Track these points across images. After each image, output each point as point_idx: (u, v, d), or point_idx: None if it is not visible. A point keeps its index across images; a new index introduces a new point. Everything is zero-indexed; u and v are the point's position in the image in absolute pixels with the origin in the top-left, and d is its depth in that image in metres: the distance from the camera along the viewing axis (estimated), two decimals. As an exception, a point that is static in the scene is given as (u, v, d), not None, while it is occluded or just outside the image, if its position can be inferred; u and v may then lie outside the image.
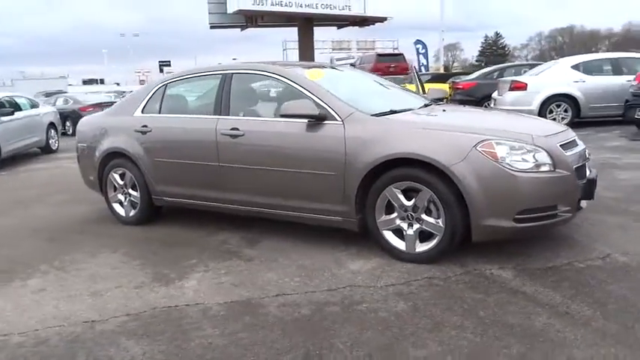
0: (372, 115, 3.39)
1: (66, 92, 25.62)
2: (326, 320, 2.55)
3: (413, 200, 3.13)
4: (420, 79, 11.81)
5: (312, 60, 21.99)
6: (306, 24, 21.14)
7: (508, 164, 2.89)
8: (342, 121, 3.35)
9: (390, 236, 3.28)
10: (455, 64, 77.68)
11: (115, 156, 4.54)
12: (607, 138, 8.14)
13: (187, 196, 4.19)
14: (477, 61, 75.42)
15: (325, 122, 3.40)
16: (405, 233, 3.22)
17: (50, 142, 11.00)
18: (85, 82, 55.31)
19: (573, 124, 7.91)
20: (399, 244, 3.25)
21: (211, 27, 21.80)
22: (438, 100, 4.49)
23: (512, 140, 2.98)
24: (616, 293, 2.62)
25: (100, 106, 13.99)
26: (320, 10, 20.39)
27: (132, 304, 2.89)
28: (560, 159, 2.99)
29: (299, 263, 3.36)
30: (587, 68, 9.38)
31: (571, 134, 3.38)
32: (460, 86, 12.24)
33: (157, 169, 4.25)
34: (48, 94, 24.06)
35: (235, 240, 3.96)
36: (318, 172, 3.42)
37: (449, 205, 2.99)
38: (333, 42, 49.55)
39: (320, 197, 3.47)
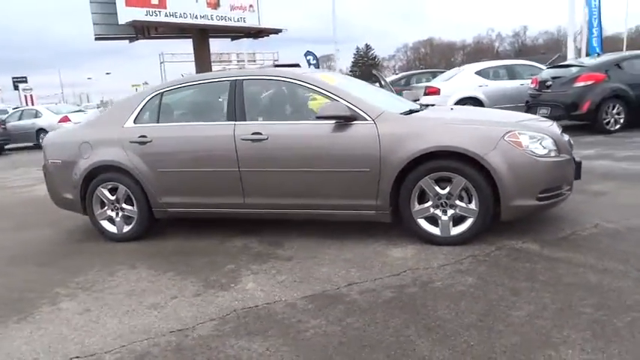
0: (400, 114, 3.70)
1: None
2: (415, 299, 2.78)
3: (448, 188, 3.49)
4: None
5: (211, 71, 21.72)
6: (201, 36, 20.80)
7: (531, 151, 3.38)
8: (374, 120, 3.61)
9: (424, 224, 3.60)
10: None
11: (104, 170, 4.29)
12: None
13: (197, 205, 4.12)
14: (350, 71, 79.39)
15: (354, 122, 3.63)
16: (439, 219, 3.56)
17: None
18: None
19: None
20: (434, 230, 3.58)
21: (97, 38, 20.39)
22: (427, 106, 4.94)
23: (531, 130, 3.48)
24: (628, 251, 3.21)
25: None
26: (215, 22, 20.29)
27: (207, 310, 2.86)
28: (562, 145, 3.56)
29: (342, 257, 3.53)
30: (488, 74, 10.65)
31: (558, 126, 4.00)
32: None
33: (160, 180, 4.12)
34: None
35: (256, 244, 4.00)
36: (351, 170, 3.63)
37: (481, 190, 3.40)
38: (212, 54, 49.02)
39: (353, 193, 3.68)
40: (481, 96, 10.36)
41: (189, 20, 19.51)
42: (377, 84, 7.66)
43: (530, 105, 9.28)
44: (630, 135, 8.11)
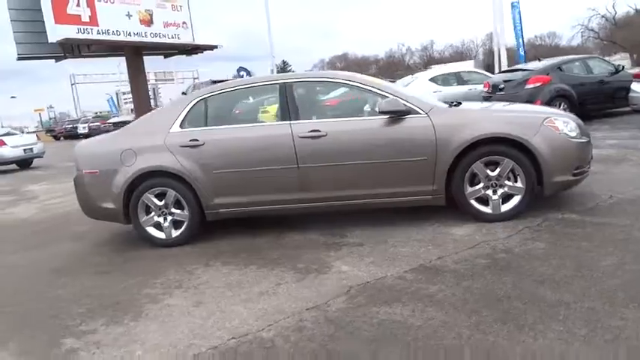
0: (448, 107, 4.13)
1: None
2: (510, 262, 3.17)
3: (497, 170, 3.95)
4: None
5: (146, 91, 21.16)
6: (134, 53, 20.26)
7: (566, 134, 3.94)
8: (427, 113, 4.00)
9: (476, 204, 4.03)
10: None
11: (150, 176, 4.30)
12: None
13: (252, 204, 4.26)
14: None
15: (408, 116, 4.00)
16: (490, 198, 4.00)
17: None
18: None
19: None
20: (485, 209, 4.02)
21: (19, 58, 19.16)
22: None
23: (562, 116, 4.04)
24: (652, 214, 3.84)
25: None
26: (150, 39, 19.89)
27: (323, 290, 3.06)
28: (583, 129, 4.16)
29: (412, 239, 3.86)
30: (440, 80, 11.52)
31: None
32: (327, 104, 13.48)
33: (214, 182, 4.22)
34: None
35: (316, 236, 4.21)
36: (409, 159, 3.99)
37: (527, 169, 3.90)
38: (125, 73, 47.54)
39: (410, 181, 4.03)
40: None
41: (122, 38, 18.97)
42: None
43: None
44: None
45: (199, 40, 21.63)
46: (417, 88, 11.32)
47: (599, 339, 2.18)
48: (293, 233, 4.36)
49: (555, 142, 3.89)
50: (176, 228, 4.39)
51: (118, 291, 3.46)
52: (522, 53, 15.83)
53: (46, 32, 17.17)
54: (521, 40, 16.06)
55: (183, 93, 23.05)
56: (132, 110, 27.50)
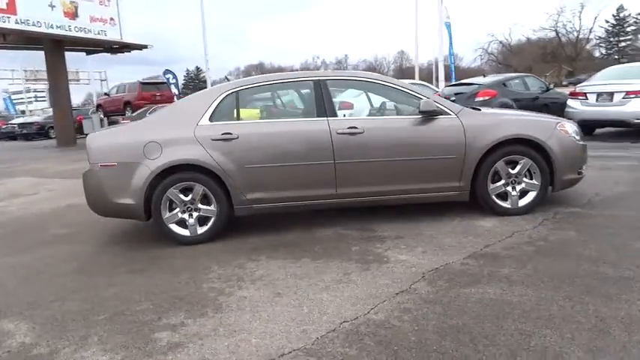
0: (472, 110, 4.45)
1: None
2: (553, 248, 3.52)
3: (517, 168, 4.33)
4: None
5: (67, 88, 19.72)
6: (55, 47, 18.85)
7: (573, 137, 4.43)
8: (457, 115, 4.29)
9: (496, 199, 4.39)
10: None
11: (177, 170, 4.17)
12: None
13: (286, 199, 4.27)
14: (180, 93, 77.73)
15: (440, 117, 4.27)
16: (510, 194, 4.37)
17: None
18: None
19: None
20: (505, 204, 4.38)
21: None
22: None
23: (568, 121, 4.53)
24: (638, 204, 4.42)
25: None
26: (74, 33, 18.62)
27: (398, 276, 3.20)
28: (580, 133, 4.69)
29: (446, 231, 4.11)
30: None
31: None
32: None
33: (247, 177, 4.18)
34: None
35: (346, 231, 4.32)
36: (440, 157, 4.26)
37: (542, 168, 4.32)
38: (26, 72, 44.05)
39: (440, 177, 4.30)
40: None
41: (43, 29, 17.59)
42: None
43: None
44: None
45: (127, 39, 20.63)
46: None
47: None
48: (320, 228, 4.42)
49: (565, 144, 4.36)
50: (201, 225, 4.27)
51: (172, 287, 3.32)
52: (453, 68, 17.08)
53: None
54: (452, 57, 17.34)
55: (107, 94, 21.77)
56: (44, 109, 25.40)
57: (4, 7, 16.43)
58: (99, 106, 25.11)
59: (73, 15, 18.55)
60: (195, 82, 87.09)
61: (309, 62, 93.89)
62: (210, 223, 4.26)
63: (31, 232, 5.14)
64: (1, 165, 12.82)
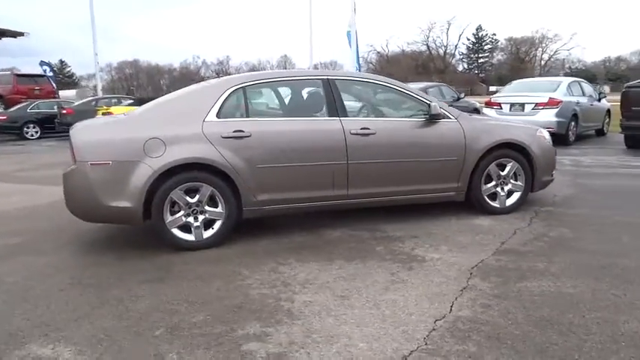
0: (468, 115, 4.71)
1: None
2: (561, 243, 3.87)
3: (506, 170, 4.68)
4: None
5: None
6: None
7: (548, 142, 4.91)
8: (456, 119, 4.52)
9: (488, 200, 4.69)
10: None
11: (183, 169, 3.84)
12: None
13: (297, 200, 4.14)
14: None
15: (442, 120, 4.47)
16: (499, 195, 4.71)
17: None
18: None
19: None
20: (494, 204, 4.71)
21: None
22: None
23: (542, 128, 5.01)
24: (597, 201, 5.03)
25: None
26: None
27: (450, 275, 3.29)
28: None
29: (453, 230, 4.30)
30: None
31: None
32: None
33: (259, 177, 3.99)
34: None
35: (355, 232, 4.31)
36: (443, 159, 4.45)
37: (526, 170, 4.73)
38: None
39: (441, 178, 4.49)
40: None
41: None
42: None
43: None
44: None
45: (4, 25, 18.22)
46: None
47: None
48: (327, 230, 4.37)
49: (544, 149, 4.82)
50: (207, 228, 3.97)
51: (216, 295, 3.04)
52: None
53: None
54: (357, 65, 18.02)
55: None
56: None
57: None
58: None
59: None
60: (59, 77, 79.56)
61: (189, 62, 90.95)
62: (217, 227, 3.97)
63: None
64: None
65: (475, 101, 14.11)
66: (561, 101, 9.47)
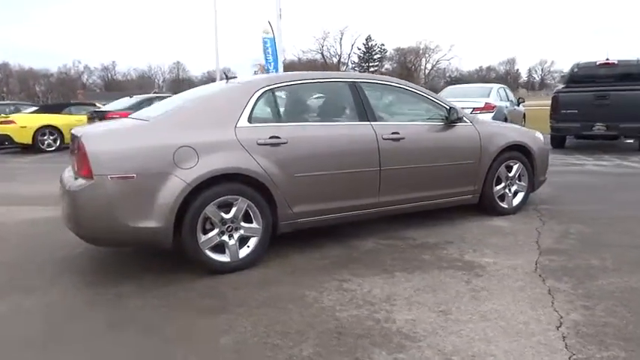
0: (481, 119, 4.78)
1: None
2: (587, 239, 4.04)
3: (513, 171, 4.82)
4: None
5: None
6: None
7: (543, 143, 5.15)
8: (472, 122, 4.56)
9: (498, 201, 4.79)
10: None
11: (216, 182, 3.42)
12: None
13: (331, 211, 3.88)
14: None
15: (460, 123, 4.49)
16: (507, 196, 4.84)
17: None
18: None
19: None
20: (503, 204, 4.82)
21: None
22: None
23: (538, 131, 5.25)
24: (588, 197, 5.40)
25: None
26: None
27: (523, 279, 3.27)
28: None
29: (476, 233, 4.31)
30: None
31: None
32: (117, 115, 11.82)
33: (296, 187, 3.67)
34: None
35: (391, 241, 4.13)
36: (463, 162, 4.46)
37: (528, 171, 4.92)
38: None
39: (461, 182, 4.49)
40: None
41: None
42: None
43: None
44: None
45: None
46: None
47: None
48: (356, 240, 4.16)
49: (542, 150, 5.04)
50: (245, 245, 3.57)
51: (306, 322, 2.70)
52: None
53: None
54: (273, 70, 17.97)
55: None
56: None
57: None
58: None
59: None
60: None
61: (69, 67, 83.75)
62: (252, 245, 3.57)
63: None
64: None
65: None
66: (495, 106, 10.11)
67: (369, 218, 4.22)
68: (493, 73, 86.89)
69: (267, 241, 3.63)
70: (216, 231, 3.43)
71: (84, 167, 3.18)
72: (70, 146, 3.89)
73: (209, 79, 70.00)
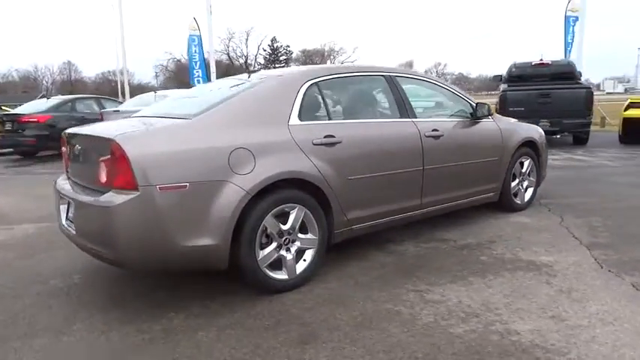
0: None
1: None
2: (609, 230, 4.12)
3: (524, 167, 4.82)
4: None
5: None
6: None
7: (544, 141, 5.22)
8: (493, 119, 4.49)
9: (513, 197, 4.77)
10: None
11: (274, 188, 2.98)
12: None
13: (381, 215, 3.58)
14: None
15: (484, 120, 4.39)
16: (520, 191, 4.83)
17: None
18: None
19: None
20: (517, 200, 4.81)
21: None
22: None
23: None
24: (584, 190, 5.58)
25: None
26: None
27: (598, 276, 3.21)
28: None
29: (516, 230, 4.24)
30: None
31: None
32: (34, 119, 10.42)
33: (350, 191, 3.33)
34: None
35: (433, 244, 3.93)
36: (490, 159, 4.36)
37: (537, 166, 4.96)
38: None
39: (488, 179, 4.39)
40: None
41: None
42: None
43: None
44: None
45: None
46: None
47: None
48: (393, 245, 3.91)
49: (545, 146, 5.11)
50: (302, 259, 3.15)
51: (416, 342, 2.39)
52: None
53: None
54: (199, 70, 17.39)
55: None
56: None
57: None
58: None
59: None
60: None
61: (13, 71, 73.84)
62: (309, 258, 3.16)
63: None
64: None
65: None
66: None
67: (412, 221, 3.95)
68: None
69: (323, 252, 3.23)
70: (274, 245, 2.97)
71: (120, 176, 2.58)
72: (69, 150, 3.22)
73: (104, 80, 65.55)
